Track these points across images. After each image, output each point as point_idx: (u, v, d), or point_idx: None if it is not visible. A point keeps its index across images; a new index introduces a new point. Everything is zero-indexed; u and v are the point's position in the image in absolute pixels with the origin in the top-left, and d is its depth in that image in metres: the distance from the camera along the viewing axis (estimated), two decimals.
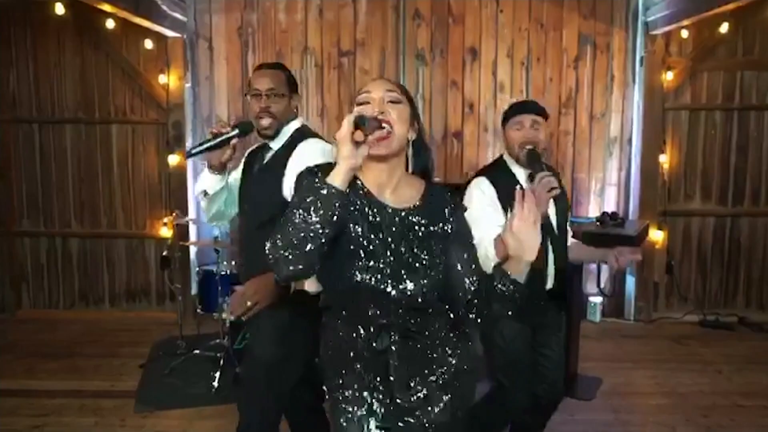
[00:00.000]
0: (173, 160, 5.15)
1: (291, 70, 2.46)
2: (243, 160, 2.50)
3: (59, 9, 3.69)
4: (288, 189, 2.16)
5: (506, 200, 2.24)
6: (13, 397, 3.77)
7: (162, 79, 5.11)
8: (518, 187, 1.55)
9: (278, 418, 2.37)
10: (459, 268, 1.56)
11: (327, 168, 1.46)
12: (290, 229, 1.38)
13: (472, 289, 1.55)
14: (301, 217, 1.37)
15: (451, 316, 1.60)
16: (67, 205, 5.40)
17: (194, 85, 5.26)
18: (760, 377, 4.11)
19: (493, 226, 2.26)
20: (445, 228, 1.58)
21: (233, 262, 4.30)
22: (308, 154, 2.16)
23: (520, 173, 2.53)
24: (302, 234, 1.37)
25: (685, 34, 4.95)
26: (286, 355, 2.22)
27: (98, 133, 5.32)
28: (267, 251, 1.41)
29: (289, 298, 2.16)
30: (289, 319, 2.20)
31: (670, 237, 5.30)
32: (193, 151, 2.20)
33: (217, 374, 3.88)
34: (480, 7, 5.19)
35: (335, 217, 1.38)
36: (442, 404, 1.56)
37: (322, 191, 1.37)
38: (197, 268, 4.48)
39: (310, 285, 1.97)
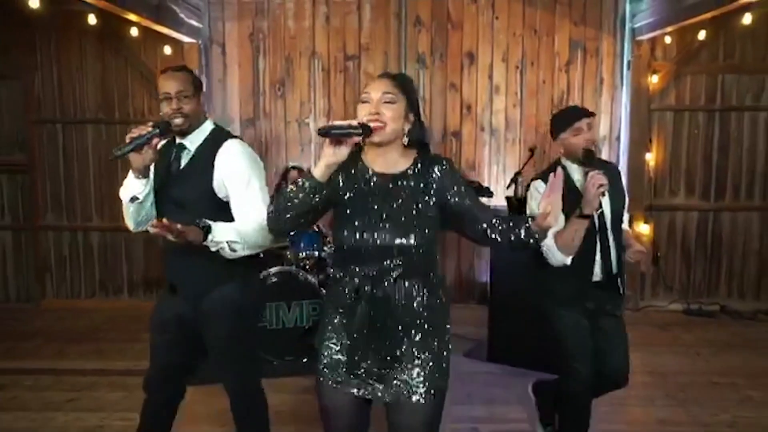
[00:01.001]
0: None
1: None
2: None
3: (92, 19, 4.00)
4: (218, 185, 2.35)
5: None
6: (47, 375, 4.12)
7: None
8: (551, 174, 1.87)
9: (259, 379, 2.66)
10: (467, 206, 1.90)
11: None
12: (279, 199, 1.81)
13: (489, 215, 1.90)
14: (287, 194, 1.78)
15: (428, 273, 1.92)
16: (89, 200, 5.74)
17: (208, 87, 5.58)
18: (735, 359, 4.44)
19: None
20: (435, 186, 1.90)
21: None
22: (238, 154, 2.39)
23: (576, 172, 2.69)
24: (287, 203, 1.78)
25: (668, 39, 5.27)
26: (244, 325, 2.49)
27: (118, 133, 5.63)
28: (267, 216, 1.85)
29: (238, 275, 2.42)
30: (240, 294, 2.44)
31: (656, 230, 5.62)
32: (120, 152, 2.19)
33: None
34: (477, 14, 5.52)
35: (311, 196, 1.75)
36: (415, 354, 1.89)
37: (303, 181, 1.76)
38: None
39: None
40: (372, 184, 1.90)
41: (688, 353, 4.56)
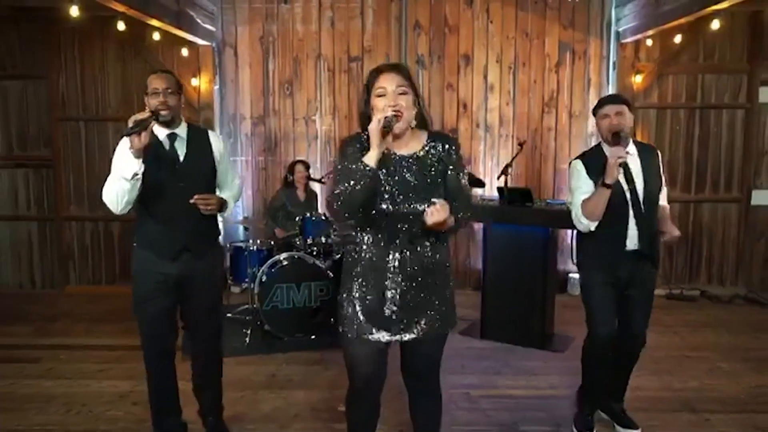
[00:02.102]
0: None
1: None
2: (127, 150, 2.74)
3: (120, 26, 4.39)
4: (217, 156, 2.98)
5: (595, 174, 2.97)
6: (79, 349, 4.52)
7: (194, 82, 5.83)
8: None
9: None
10: (449, 186, 2.27)
11: (355, 137, 2.27)
12: (346, 193, 2.13)
13: (461, 213, 2.26)
14: (350, 185, 2.12)
15: (442, 236, 2.31)
16: None
17: (222, 87, 5.99)
18: (708, 337, 4.82)
19: (582, 194, 3.01)
20: (443, 161, 2.28)
21: (258, 241, 5.01)
22: (220, 140, 3.06)
23: (607, 151, 3.01)
24: (352, 195, 2.13)
25: (650, 42, 5.65)
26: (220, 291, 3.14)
27: None
28: (329, 202, 2.25)
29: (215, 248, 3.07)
30: (219, 264, 3.14)
31: None
32: (131, 131, 2.53)
33: (249, 331, 4.61)
34: (472, 19, 5.91)
35: (372, 180, 2.12)
36: (430, 300, 2.29)
37: (361, 168, 2.11)
38: (227, 245, 5.17)
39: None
40: (396, 162, 2.25)
41: (666, 332, 4.93)
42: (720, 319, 5.30)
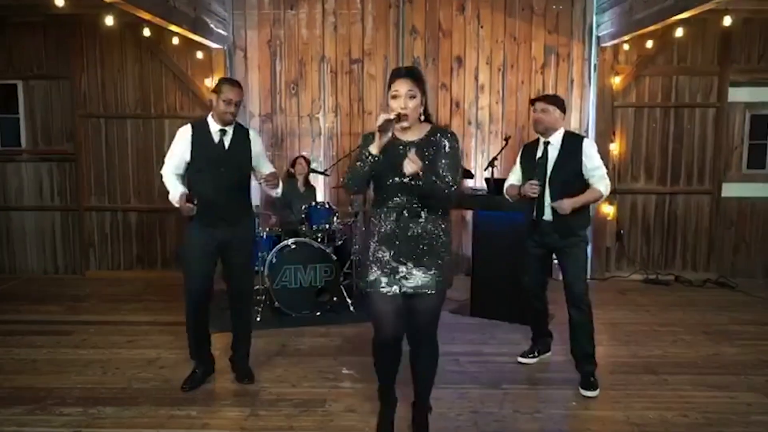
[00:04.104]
0: None
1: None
2: (190, 138, 3.53)
3: (146, 32, 4.85)
4: (254, 154, 3.64)
5: (526, 161, 3.93)
6: (107, 325, 4.99)
7: (207, 82, 6.30)
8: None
9: None
10: (443, 166, 2.75)
11: (372, 133, 2.74)
12: (354, 171, 2.74)
13: (448, 178, 2.73)
14: (358, 166, 2.70)
15: (441, 207, 2.81)
16: (128, 185, 6.61)
17: None
18: (677, 314, 5.31)
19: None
20: (439, 146, 2.77)
21: (267, 228, 5.49)
22: (257, 137, 3.72)
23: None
24: (358, 173, 2.71)
25: (626, 47, 6.12)
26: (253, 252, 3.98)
27: (154, 126, 6.52)
28: (342, 182, 2.80)
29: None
30: (252, 229, 3.89)
31: (620, 211, 6.49)
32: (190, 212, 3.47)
33: (260, 308, 5.09)
34: (464, 24, 6.39)
35: (374, 164, 2.67)
36: (429, 261, 2.78)
37: (366, 154, 2.67)
38: None
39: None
40: (401, 147, 2.76)
41: (639, 311, 5.42)
42: (690, 300, 5.78)
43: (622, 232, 6.53)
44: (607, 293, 5.97)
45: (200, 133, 3.55)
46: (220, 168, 3.52)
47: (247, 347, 3.92)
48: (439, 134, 2.81)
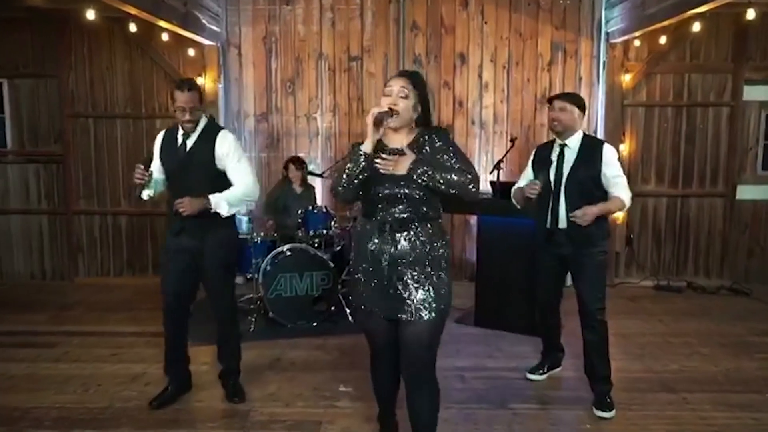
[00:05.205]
0: None
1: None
2: (160, 143, 3.44)
3: (132, 27, 4.61)
4: (218, 156, 3.32)
5: (538, 165, 3.66)
6: (92, 336, 4.74)
7: (199, 80, 6.04)
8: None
9: None
10: (448, 164, 2.45)
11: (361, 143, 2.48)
12: (344, 175, 2.44)
13: (463, 169, 2.43)
14: (348, 167, 2.43)
15: (427, 211, 2.51)
16: (117, 187, 6.36)
17: (226, 85, 6.21)
18: (691, 324, 5.06)
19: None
20: (429, 149, 2.49)
21: (261, 233, 5.24)
22: (226, 140, 3.35)
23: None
24: (350, 177, 2.43)
25: (637, 43, 5.87)
26: (232, 258, 3.62)
27: (144, 126, 6.27)
28: (331, 186, 2.50)
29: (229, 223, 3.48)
30: (225, 242, 3.46)
31: (630, 214, 6.23)
32: (139, 193, 3.28)
33: (253, 318, 4.84)
34: (468, 19, 6.14)
35: (365, 165, 2.41)
36: (420, 282, 2.48)
37: (357, 153, 2.42)
38: None
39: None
40: (386, 152, 2.47)
41: (651, 320, 5.17)
42: (703, 308, 5.53)
43: (632, 236, 6.28)
44: (617, 300, 5.71)
45: (168, 138, 3.42)
46: (182, 173, 3.33)
47: (233, 363, 3.67)
48: (426, 135, 2.54)
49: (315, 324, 4.87)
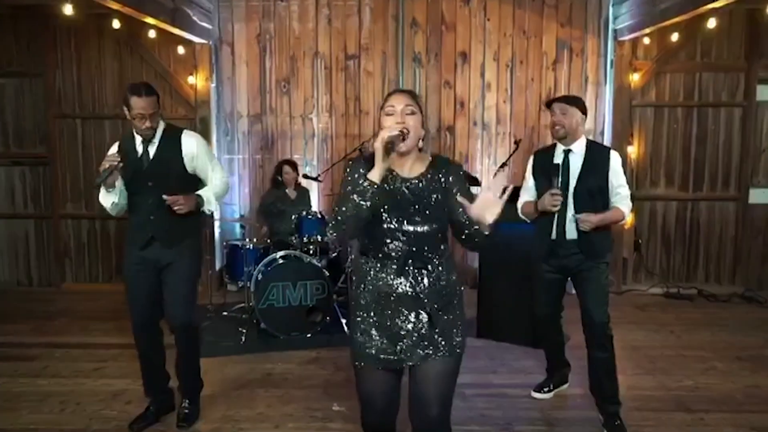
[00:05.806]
0: None
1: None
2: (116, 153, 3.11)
3: (115, 24, 4.38)
4: (187, 158, 3.14)
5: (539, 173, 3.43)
6: (75, 348, 4.52)
7: (191, 80, 5.82)
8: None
9: None
10: (458, 210, 2.14)
11: (358, 161, 2.23)
12: (350, 209, 2.07)
13: (467, 223, 2.12)
14: (355, 201, 2.07)
15: (442, 247, 2.25)
16: None
17: (218, 85, 5.98)
18: (704, 335, 4.82)
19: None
20: (444, 186, 2.21)
21: (254, 239, 5.01)
22: (193, 139, 3.19)
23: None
24: (357, 211, 2.07)
25: (647, 40, 5.63)
26: (197, 269, 3.34)
27: None
28: (331, 220, 2.14)
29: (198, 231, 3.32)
30: (193, 256, 3.25)
31: (638, 219, 6.00)
32: (100, 180, 2.92)
33: (245, 330, 4.61)
34: (470, 16, 5.90)
35: (375, 199, 2.08)
36: (433, 322, 2.19)
37: (366, 185, 2.07)
38: (224, 242, 5.16)
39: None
40: (399, 184, 2.20)
41: (662, 331, 4.93)
42: (716, 318, 5.29)
43: (640, 241, 6.04)
44: (625, 309, 5.48)
45: (126, 148, 3.13)
46: (146, 183, 3.09)
47: (190, 385, 3.40)
48: (444, 170, 2.24)
49: (309, 335, 4.63)
